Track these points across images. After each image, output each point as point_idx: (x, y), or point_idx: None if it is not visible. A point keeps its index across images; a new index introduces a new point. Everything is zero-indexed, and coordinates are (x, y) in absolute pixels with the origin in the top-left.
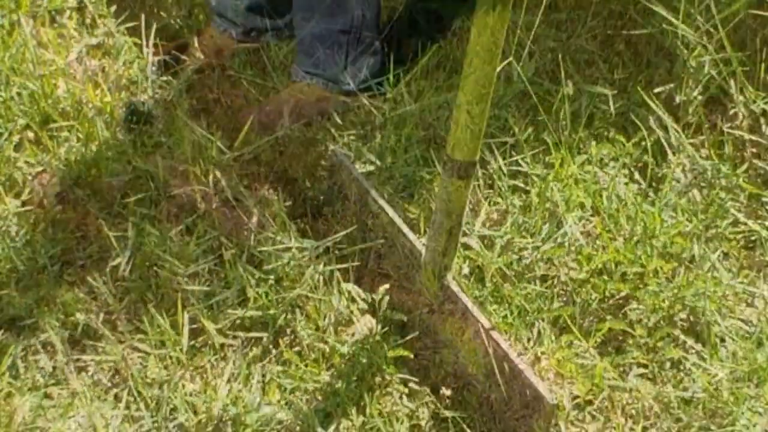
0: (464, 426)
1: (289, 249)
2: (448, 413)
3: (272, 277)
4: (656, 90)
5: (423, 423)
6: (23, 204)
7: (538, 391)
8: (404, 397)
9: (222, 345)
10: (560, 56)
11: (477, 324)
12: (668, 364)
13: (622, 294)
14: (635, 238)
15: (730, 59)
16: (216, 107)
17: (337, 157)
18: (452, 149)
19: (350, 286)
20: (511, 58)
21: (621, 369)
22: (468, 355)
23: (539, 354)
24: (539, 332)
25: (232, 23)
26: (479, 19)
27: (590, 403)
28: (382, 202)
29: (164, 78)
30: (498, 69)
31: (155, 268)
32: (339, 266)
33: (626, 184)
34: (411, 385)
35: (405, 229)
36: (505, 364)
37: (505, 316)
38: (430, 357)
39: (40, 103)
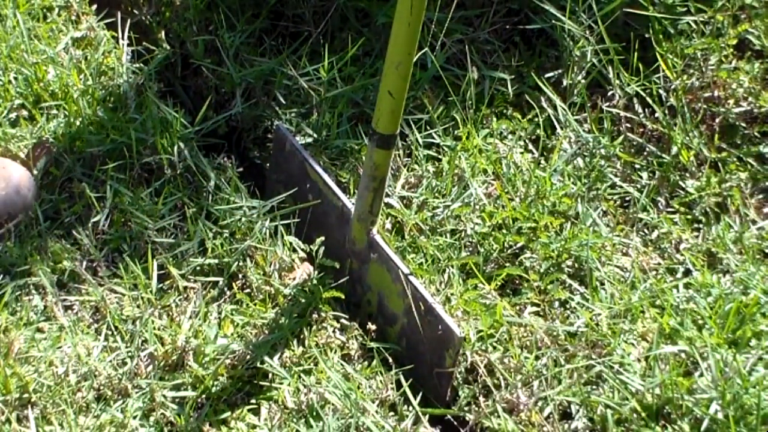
0: (387, 355)
1: (241, 207)
2: (373, 344)
3: (227, 231)
4: (547, 75)
5: (353, 353)
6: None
7: (448, 326)
8: (337, 331)
9: (185, 288)
10: (467, 47)
11: (397, 270)
12: (557, 304)
13: (519, 245)
14: (529, 199)
15: (608, 49)
16: (180, 89)
17: (280, 130)
18: (377, 124)
19: (292, 239)
20: (426, 49)
21: (517, 307)
22: (390, 296)
23: (449, 295)
24: (449, 277)
25: None
26: (397, 20)
27: (492, 336)
28: (317, 168)
29: (137, 65)
30: (415, 58)
31: (129, 223)
32: (282, 222)
33: (522, 153)
34: (342, 321)
35: (337, 190)
36: (421, 303)
37: (421, 264)
38: (359, 297)
39: (33, 86)
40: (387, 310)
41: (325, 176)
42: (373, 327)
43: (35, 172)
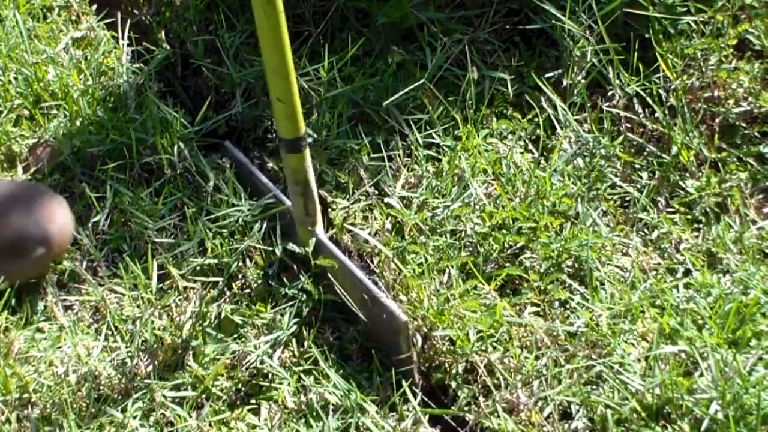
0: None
1: (240, 208)
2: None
3: (226, 231)
4: (547, 75)
5: (353, 353)
6: (24, 170)
7: (392, 313)
8: (336, 332)
9: (185, 288)
10: (467, 47)
11: (343, 265)
12: (557, 304)
13: (519, 245)
14: (529, 199)
15: (608, 49)
16: (180, 89)
17: (228, 149)
18: (278, 130)
19: (290, 244)
20: (426, 49)
21: (517, 307)
22: (345, 289)
23: (449, 296)
24: (449, 277)
25: None
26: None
27: (492, 336)
28: (264, 179)
29: (137, 65)
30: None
31: (129, 223)
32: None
33: (522, 153)
34: (342, 321)
35: (284, 198)
36: (365, 294)
37: (421, 264)
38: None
39: (34, 86)
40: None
41: (271, 186)
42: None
43: (46, 171)
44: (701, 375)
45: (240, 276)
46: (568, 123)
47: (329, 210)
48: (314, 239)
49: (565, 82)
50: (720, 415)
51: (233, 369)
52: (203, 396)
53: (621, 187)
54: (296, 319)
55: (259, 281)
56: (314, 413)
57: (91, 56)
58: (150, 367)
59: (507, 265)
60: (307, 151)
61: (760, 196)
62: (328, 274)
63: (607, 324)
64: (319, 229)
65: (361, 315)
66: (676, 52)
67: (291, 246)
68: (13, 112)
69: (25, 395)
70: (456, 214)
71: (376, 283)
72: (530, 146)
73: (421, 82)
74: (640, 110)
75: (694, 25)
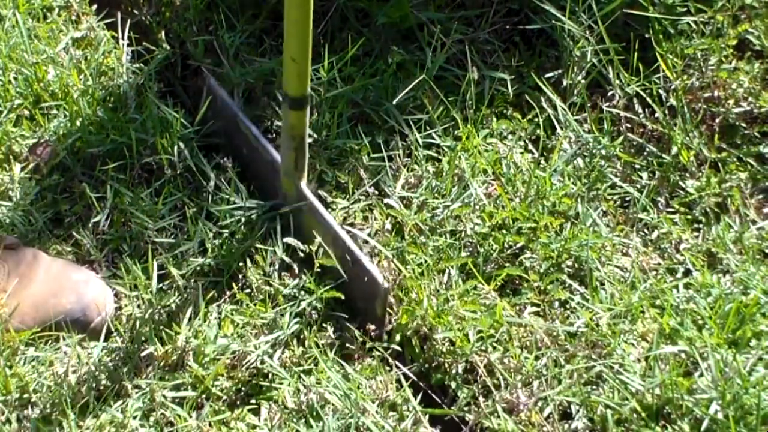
0: (386, 355)
1: (240, 207)
2: (373, 344)
3: (227, 231)
4: (547, 75)
5: (353, 353)
6: (22, 170)
7: (374, 277)
8: (337, 331)
9: (185, 288)
10: (467, 47)
11: (325, 221)
12: (557, 304)
13: (519, 245)
14: (529, 199)
15: (608, 49)
16: (180, 89)
17: (211, 84)
18: (286, 87)
19: (290, 239)
20: (426, 49)
21: (517, 308)
22: (326, 245)
23: (448, 296)
24: (449, 277)
25: None
26: None
27: (492, 336)
28: (248, 123)
29: (137, 65)
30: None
31: (129, 223)
32: (281, 222)
33: (522, 153)
34: (342, 321)
35: (267, 145)
36: (347, 255)
37: (420, 264)
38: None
39: (34, 86)
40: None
41: (256, 131)
42: (373, 327)
43: (44, 171)
44: (701, 375)
45: (240, 276)
46: (568, 123)
47: (329, 210)
48: (298, 189)
49: (565, 82)
50: (720, 415)
51: (233, 369)
52: (203, 396)
53: (621, 187)
54: (297, 319)
55: (260, 281)
56: (314, 413)
57: (91, 56)
58: (150, 367)
59: (507, 265)
60: (308, 109)
61: (760, 196)
62: (311, 230)
63: (607, 324)
64: (303, 183)
65: (342, 271)
66: (676, 52)
67: (291, 241)
68: (13, 112)
69: (25, 395)
70: (456, 215)
71: (355, 239)
72: (530, 146)
73: (420, 79)
74: (640, 110)
75: (694, 25)
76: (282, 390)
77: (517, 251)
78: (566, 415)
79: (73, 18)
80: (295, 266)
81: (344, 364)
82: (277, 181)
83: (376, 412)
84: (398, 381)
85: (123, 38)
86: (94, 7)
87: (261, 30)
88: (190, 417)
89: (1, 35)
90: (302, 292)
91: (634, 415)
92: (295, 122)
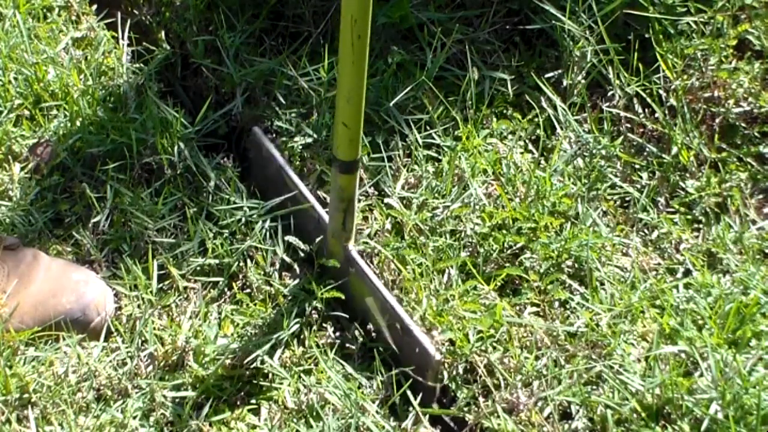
0: (387, 357)
1: (241, 207)
2: (373, 344)
3: (227, 231)
4: (547, 75)
5: (353, 353)
6: (22, 170)
7: (425, 348)
8: (338, 331)
9: (185, 288)
10: (467, 47)
11: (374, 286)
12: (557, 304)
13: (519, 245)
14: (529, 199)
15: (608, 49)
16: (180, 89)
17: (256, 135)
18: (336, 151)
19: (291, 238)
20: (426, 49)
21: (517, 308)
22: (372, 309)
23: (448, 296)
24: (449, 277)
25: None
26: (342, 59)
27: (492, 336)
28: (294, 177)
29: (137, 65)
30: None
31: (129, 223)
32: (282, 222)
33: (522, 153)
34: (343, 321)
35: (314, 201)
36: (398, 324)
37: (420, 264)
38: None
39: (34, 86)
40: (372, 321)
41: (302, 186)
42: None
43: (44, 171)
44: (701, 375)
45: (240, 276)
46: (568, 123)
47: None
48: (346, 252)
49: (565, 82)
50: (720, 415)
51: (233, 369)
52: (203, 396)
53: (621, 187)
54: (297, 319)
55: (260, 281)
56: (314, 413)
57: (91, 56)
58: (150, 367)
59: (507, 265)
60: (358, 173)
61: (760, 196)
62: (359, 294)
63: (607, 324)
64: (351, 245)
65: (390, 341)
66: (676, 53)
67: (324, 261)
68: (13, 112)
69: (25, 395)
70: (456, 215)
71: (401, 302)
72: (530, 146)
73: (420, 79)
74: (640, 110)
75: (694, 26)
76: (282, 390)
77: (517, 251)
78: (566, 415)
79: (73, 18)
80: (296, 266)
81: (344, 364)
82: (322, 238)
83: (376, 412)
84: (398, 381)
85: (123, 38)
86: (94, 7)
87: (261, 30)
88: (190, 417)
89: (1, 35)
90: (303, 293)
91: (634, 415)
92: (345, 185)
